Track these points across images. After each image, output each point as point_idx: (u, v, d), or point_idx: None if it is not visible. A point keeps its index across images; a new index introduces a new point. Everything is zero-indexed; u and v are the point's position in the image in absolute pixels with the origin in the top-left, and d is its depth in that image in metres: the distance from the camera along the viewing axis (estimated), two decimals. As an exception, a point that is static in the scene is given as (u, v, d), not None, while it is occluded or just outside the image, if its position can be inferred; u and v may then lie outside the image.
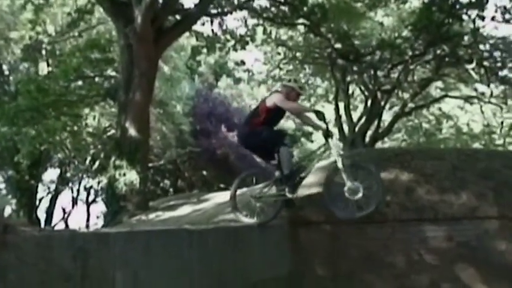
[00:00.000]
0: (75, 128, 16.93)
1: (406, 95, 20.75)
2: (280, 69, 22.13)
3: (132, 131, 11.53)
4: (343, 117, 20.80)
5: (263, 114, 6.33)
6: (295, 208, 6.79)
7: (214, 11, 15.62)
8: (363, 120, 20.49)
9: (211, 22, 16.38)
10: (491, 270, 6.53)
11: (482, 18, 16.04)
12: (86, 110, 16.68)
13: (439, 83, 23.03)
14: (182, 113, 21.72)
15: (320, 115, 6.07)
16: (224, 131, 22.79)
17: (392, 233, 6.86)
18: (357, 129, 20.39)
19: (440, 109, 26.03)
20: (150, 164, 18.46)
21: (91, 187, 26.01)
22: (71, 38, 18.61)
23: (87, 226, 25.08)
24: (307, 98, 23.59)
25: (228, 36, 16.98)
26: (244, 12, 16.80)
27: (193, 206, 10.53)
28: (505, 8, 16.35)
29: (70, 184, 26.31)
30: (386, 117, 23.00)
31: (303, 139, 29.06)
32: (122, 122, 11.87)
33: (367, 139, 20.38)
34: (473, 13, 15.96)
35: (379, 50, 18.57)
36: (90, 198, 26.89)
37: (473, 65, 17.95)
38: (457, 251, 6.67)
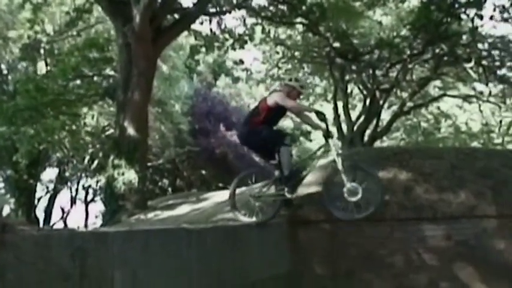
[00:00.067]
0: (74, 127, 16.96)
1: (404, 94, 20.78)
2: (279, 68, 22.14)
3: (131, 130, 11.52)
4: (342, 116, 20.81)
5: (263, 113, 6.32)
6: (294, 207, 6.80)
7: (212, 10, 15.62)
8: (362, 119, 20.52)
9: (210, 21, 16.39)
10: (489, 269, 6.53)
11: (481, 17, 16.05)
12: (85, 109, 16.69)
13: (438, 82, 23.04)
14: (181, 112, 21.73)
15: (321, 115, 6.07)
16: (223, 130, 22.79)
17: (391, 232, 6.86)
18: (355, 128, 20.41)
19: (438, 108, 26.05)
20: (149, 163, 18.45)
21: (90, 186, 26.07)
22: (70, 37, 18.63)
23: (86, 225, 25.11)
24: (305, 97, 23.59)
25: (227, 35, 16.98)
26: (243, 11, 16.81)
27: (192, 205, 10.53)
28: (503, 7, 16.37)
29: (69, 183, 26.34)
30: (385, 116, 23.02)
31: (301, 138, 29.05)
32: (120, 121, 11.86)
33: (365, 138, 20.39)
34: (472, 12, 15.98)
35: (378, 49, 18.59)
36: (89, 198, 26.93)
37: (472, 64, 17.96)
38: (455, 250, 6.67)
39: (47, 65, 19.39)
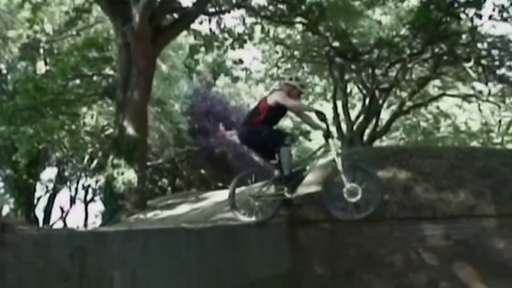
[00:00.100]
0: (73, 126, 16.95)
1: (404, 94, 20.79)
2: (278, 67, 22.15)
3: (130, 130, 11.52)
4: (341, 116, 20.81)
5: (264, 113, 6.30)
6: (294, 207, 6.80)
7: (212, 10, 15.61)
8: (361, 118, 20.52)
9: (209, 21, 16.38)
10: (489, 269, 6.54)
11: (480, 17, 16.07)
12: (84, 109, 16.67)
13: (437, 82, 23.06)
14: (180, 111, 21.72)
15: (321, 115, 6.06)
16: (222, 130, 22.78)
17: (390, 232, 6.86)
18: (355, 127, 20.41)
19: (438, 108, 26.07)
20: (148, 163, 18.45)
21: (89, 186, 26.07)
22: (69, 36, 18.62)
23: (85, 225, 25.10)
24: (305, 97, 23.58)
25: (226, 35, 16.96)
26: (242, 11, 16.81)
27: (191, 204, 10.53)
28: (502, 6, 16.37)
29: (68, 183, 26.36)
30: (385, 115, 23.03)
31: (301, 138, 29.04)
32: (119, 120, 11.86)
33: (365, 137, 20.40)
34: (471, 12, 15.99)
35: (377, 49, 18.60)
36: (88, 197, 26.93)
37: (471, 63, 17.97)
38: (455, 249, 6.68)
39: (46, 64, 19.38)
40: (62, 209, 26.51)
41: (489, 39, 18.73)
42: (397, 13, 19.21)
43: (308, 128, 23.23)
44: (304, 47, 20.70)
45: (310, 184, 7.03)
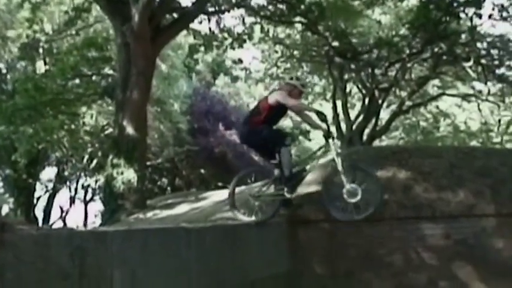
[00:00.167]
0: (73, 126, 16.95)
1: (403, 93, 20.77)
2: (278, 67, 22.16)
3: (130, 130, 11.52)
4: (341, 116, 20.81)
5: (264, 112, 6.30)
6: (293, 207, 6.80)
7: (211, 9, 15.60)
8: (361, 118, 20.52)
9: (209, 20, 16.38)
10: (488, 268, 6.54)
11: (480, 16, 16.07)
12: (84, 109, 16.67)
13: (437, 81, 23.06)
14: (180, 111, 21.70)
15: (322, 116, 6.05)
16: (222, 129, 22.77)
17: (390, 231, 6.87)
18: (354, 127, 20.41)
19: (437, 107, 26.09)
20: (148, 163, 18.44)
21: (89, 186, 26.08)
22: (68, 36, 18.60)
23: (85, 225, 25.09)
24: (305, 97, 23.57)
25: (226, 35, 16.96)
26: (242, 11, 16.81)
27: (191, 204, 10.53)
28: (502, 6, 16.40)
29: (68, 183, 26.35)
30: (384, 115, 23.05)
31: (300, 137, 29.04)
32: (119, 120, 11.86)
33: (364, 137, 20.40)
34: (471, 11, 16.01)
35: (377, 48, 18.61)
36: (88, 197, 26.92)
37: (471, 63, 17.97)
38: (454, 248, 6.68)
39: (45, 64, 19.37)
40: (61, 208, 26.52)
41: (489, 39, 18.73)
42: (397, 13, 19.21)
43: (308, 127, 23.25)
44: (304, 47, 20.70)
45: (310, 184, 7.03)
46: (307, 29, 18.05)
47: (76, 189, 26.88)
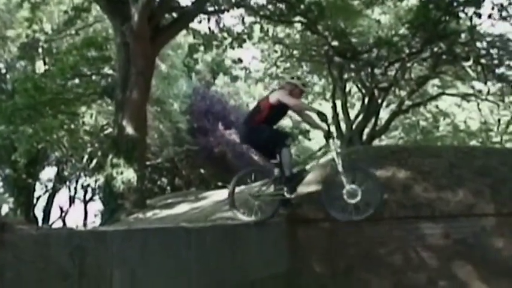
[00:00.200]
0: (72, 126, 16.94)
1: (403, 93, 20.77)
2: (278, 67, 22.14)
3: (129, 129, 11.52)
4: (341, 115, 20.82)
5: (265, 110, 6.30)
6: (293, 206, 6.80)
7: (211, 9, 15.60)
8: (360, 117, 20.52)
9: (208, 20, 16.39)
10: (488, 268, 6.55)
11: (479, 16, 16.06)
12: (83, 108, 16.66)
13: (436, 81, 23.07)
14: (179, 111, 21.70)
15: (323, 117, 6.04)
16: (221, 129, 22.76)
17: (389, 231, 6.87)
18: (354, 127, 20.41)
19: (437, 107, 26.09)
20: (148, 162, 18.44)
21: (88, 185, 26.11)
22: (68, 36, 18.60)
23: (85, 224, 25.09)
24: (304, 96, 23.52)
25: (225, 34, 16.96)
26: (241, 10, 16.81)
27: (190, 204, 10.52)
28: (501, 5, 16.37)
29: (67, 182, 26.35)
30: (384, 114, 23.04)
31: (300, 137, 29.03)
32: (119, 120, 11.86)
33: (364, 137, 20.41)
34: (470, 11, 16.00)
35: (376, 48, 18.60)
36: (88, 197, 26.95)
37: (470, 62, 17.97)
38: (454, 248, 6.69)
39: (45, 64, 19.38)
40: (61, 208, 26.53)
41: (488, 38, 18.73)
42: (396, 12, 19.21)
43: (307, 127, 23.24)
44: (303, 46, 20.69)
45: (309, 183, 7.03)
46: (306, 28, 18.04)
47: (76, 189, 26.92)
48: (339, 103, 20.92)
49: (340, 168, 5.95)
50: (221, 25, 16.83)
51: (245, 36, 17.24)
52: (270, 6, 16.64)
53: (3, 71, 22.52)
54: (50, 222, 24.59)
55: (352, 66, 19.90)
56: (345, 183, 5.92)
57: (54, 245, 3.58)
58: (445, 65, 19.74)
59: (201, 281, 4.98)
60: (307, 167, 6.50)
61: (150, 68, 12.35)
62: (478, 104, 23.19)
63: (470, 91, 22.47)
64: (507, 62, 19.10)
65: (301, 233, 7.00)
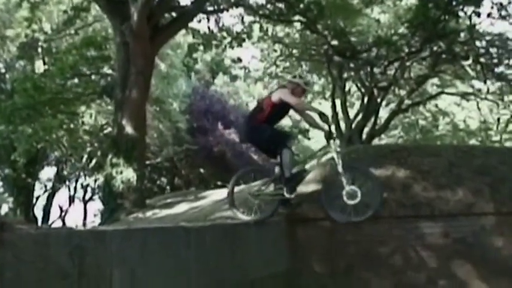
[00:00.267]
0: (72, 126, 16.96)
1: (402, 92, 20.79)
2: (277, 66, 22.14)
3: (129, 129, 11.52)
4: (340, 114, 20.81)
5: (268, 109, 6.28)
6: (292, 206, 6.80)
7: (210, 8, 15.59)
8: (360, 117, 20.53)
9: (208, 19, 16.40)
10: (487, 267, 6.54)
11: (479, 15, 16.09)
12: (83, 108, 16.68)
13: (436, 80, 23.08)
14: (179, 110, 21.71)
15: (324, 117, 6.04)
16: (221, 129, 22.78)
17: (389, 230, 6.86)
18: (353, 126, 20.41)
19: (436, 106, 26.11)
20: (147, 162, 18.46)
21: (88, 185, 26.14)
22: (67, 35, 18.59)
23: (84, 224, 25.10)
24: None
25: (225, 34, 16.96)
26: (241, 9, 16.81)
27: (190, 203, 10.53)
28: (501, 4, 16.39)
29: (67, 182, 26.38)
30: (383, 114, 23.05)
31: (300, 136, 29.05)
32: (118, 119, 11.86)
33: (364, 136, 20.41)
34: (470, 10, 16.02)
35: (376, 47, 18.60)
36: (87, 196, 26.98)
37: (470, 61, 17.98)
38: (453, 247, 6.68)
39: (44, 63, 19.37)
40: (60, 208, 26.53)
41: (487, 37, 18.74)
42: (396, 11, 19.20)
43: (307, 126, 23.25)
44: (303, 46, 20.69)
45: (309, 182, 7.03)
46: (306, 27, 18.04)
47: (75, 189, 26.94)
48: (338, 102, 20.92)
49: (340, 169, 5.95)
50: (220, 24, 16.85)
51: (244, 36, 17.24)
52: (269, 6, 16.63)
53: (3, 70, 22.54)
54: (50, 222, 24.63)
55: (352, 65, 19.91)
56: (345, 184, 5.92)
57: (53, 244, 3.58)
58: (445, 64, 19.75)
59: (201, 280, 4.98)
60: (307, 166, 6.49)
61: (149, 68, 12.35)
62: (478, 103, 23.19)
63: (470, 90, 22.48)
64: (506, 61, 19.12)
65: (300, 232, 6.99)
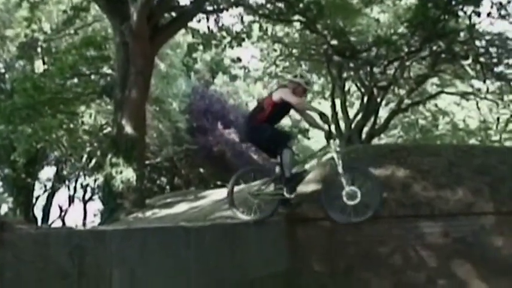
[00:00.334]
0: (71, 125, 16.97)
1: (402, 92, 20.79)
2: (277, 66, 22.12)
3: (129, 129, 11.52)
4: (340, 114, 20.81)
5: (269, 108, 6.28)
6: (292, 206, 6.80)
7: (210, 8, 15.58)
8: (360, 116, 20.52)
9: (207, 19, 16.37)
10: (487, 266, 6.55)
11: (478, 14, 16.08)
12: (82, 108, 16.69)
13: (435, 79, 23.07)
14: (178, 110, 21.71)
15: (325, 117, 6.05)
16: (220, 128, 22.78)
17: (389, 230, 6.87)
18: (353, 125, 20.40)
19: (436, 105, 26.10)
20: (147, 162, 18.46)
21: (88, 185, 26.14)
22: (67, 35, 18.57)
23: (84, 224, 25.10)
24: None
25: (224, 33, 16.94)
26: (240, 9, 16.79)
27: (190, 203, 10.53)
28: (500, 4, 16.39)
29: (67, 182, 26.37)
30: (383, 113, 23.03)
31: (299, 136, 29.05)
32: (118, 119, 11.86)
33: (363, 135, 20.40)
34: (469, 9, 16.02)
35: (375, 47, 18.59)
36: (87, 196, 26.97)
37: (469, 61, 17.98)
38: (453, 247, 6.68)
39: (44, 63, 19.37)
40: (60, 208, 26.51)
41: (487, 37, 18.73)
42: (395, 11, 19.19)
43: (307, 126, 23.25)
44: (302, 45, 20.68)
45: (309, 182, 7.04)
46: (305, 27, 18.03)
47: (75, 189, 26.92)
48: (338, 102, 20.92)
49: (340, 169, 5.96)
50: (220, 24, 16.82)
51: (244, 35, 17.23)
52: (269, 5, 16.62)
53: (2, 70, 22.53)
54: (50, 222, 24.61)
55: (351, 65, 19.91)
56: (345, 184, 5.93)
57: (53, 244, 3.58)
58: (444, 63, 19.75)
59: (200, 280, 4.98)
60: (307, 166, 6.49)
61: (149, 67, 12.35)
62: (477, 103, 23.19)
63: (469, 90, 22.47)
64: (506, 61, 19.12)
65: (300, 232, 6.99)
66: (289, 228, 6.92)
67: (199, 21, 16.21)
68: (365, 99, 20.59)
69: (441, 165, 7.46)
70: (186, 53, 18.19)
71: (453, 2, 15.78)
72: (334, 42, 18.61)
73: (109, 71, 14.62)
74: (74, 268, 3.62)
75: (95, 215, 26.44)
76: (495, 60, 19.21)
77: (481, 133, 27.13)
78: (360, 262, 6.81)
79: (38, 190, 25.04)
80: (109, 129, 15.59)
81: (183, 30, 16.28)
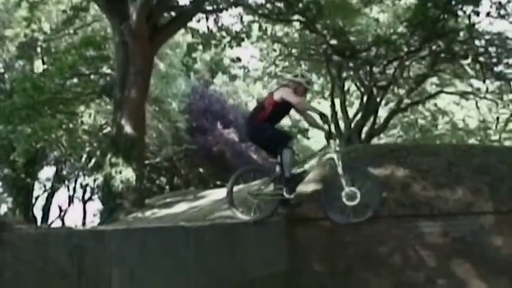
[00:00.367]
0: (71, 125, 16.97)
1: (401, 91, 20.78)
2: (276, 65, 22.11)
3: (128, 129, 11.52)
4: (339, 114, 20.81)
5: (270, 108, 6.28)
6: (291, 207, 6.79)
7: (209, 8, 15.58)
8: (359, 116, 20.51)
9: (207, 19, 16.37)
10: (487, 266, 6.54)
11: (478, 14, 16.08)
12: (82, 108, 16.69)
13: (435, 79, 23.06)
14: (178, 110, 21.71)
15: (325, 118, 6.06)
16: (220, 128, 22.78)
17: (388, 229, 6.86)
18: (353, 125, 20.39)
19: (435, 105, 26.09)
20: (146, 162, 18.47)
21: (87, 185, 26.14)
22: (66, 35, 18.57)
23: (84, 224, 25.10)
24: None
25: (224, 33, 16.94)
26: (240, 9, 16.78)
27: (189, 203, 10.53)
28: (500, 3, 16.40)
29: (66, 182, 26.37)
30: (382, 113, 23.02)
31: (299, 136, 29.05)
32: (117, 119, 11.86)
33: (363, 135, 20.39)
34: (469, 9, 16.01)
35: (375, 46, 18.58)
36: (87, 196, 26.98)
37: (469, 60, 17.97)
38: (452, 246, 6.68)
39: (43, 63, 19.36)
40: (60, 207, 26.49)
41: (487, 37, 18.71)
42: (395, 11, 19.19)
43: (306, 126, 23.26)
44: (302, 45, 20.67)
45: (309, 182, 7.03)
46: (305, 27, 18.02)
47: (74, 189, 26.92)
48: (337, 102, 20.90)
49: (339, 170, 5.96)
50: (219, 24, 16.82)
51: (243, 35, 17.23)
52: (268, 5, 16.61)
53: (2, 70, 22.53)
54: (49, 222, 24.61)
55: (351, 64, 19.90)
56: (344, 185, 5.93)
57: (53, 244, 3.58)
58: (444, 63, 19.73)
59: (200, 280, 4.98)
60: (307, 166, 6.49)
61: (148, 67, 12.36)
62: (477, 102, 23.20)
63: (469, 89, 22.46)
64: (505, 60, 19.10)
65: (300, 232, 6.99)
66: (289, 228, 6.92)
67: (198, 21, 16.22)
68: (364, 98, 20.57)
69: (440, 164, 7.46)
70: (185, 53, 18.19)
71: (453, 2, 15.78)
72: (333, 42, 18.60)
73: (108, 71, 14.62)
74: (73, 268, 3.62)
75: (94, 215, 26.48)
76: (494, 59, 19.20)
77: (480, 133, 27.13)
78: (359, 262, 6.81)
79: (37, 190, 25.08)
80: (108, 129, 15.59)
81: (182, 30, 16.27)
